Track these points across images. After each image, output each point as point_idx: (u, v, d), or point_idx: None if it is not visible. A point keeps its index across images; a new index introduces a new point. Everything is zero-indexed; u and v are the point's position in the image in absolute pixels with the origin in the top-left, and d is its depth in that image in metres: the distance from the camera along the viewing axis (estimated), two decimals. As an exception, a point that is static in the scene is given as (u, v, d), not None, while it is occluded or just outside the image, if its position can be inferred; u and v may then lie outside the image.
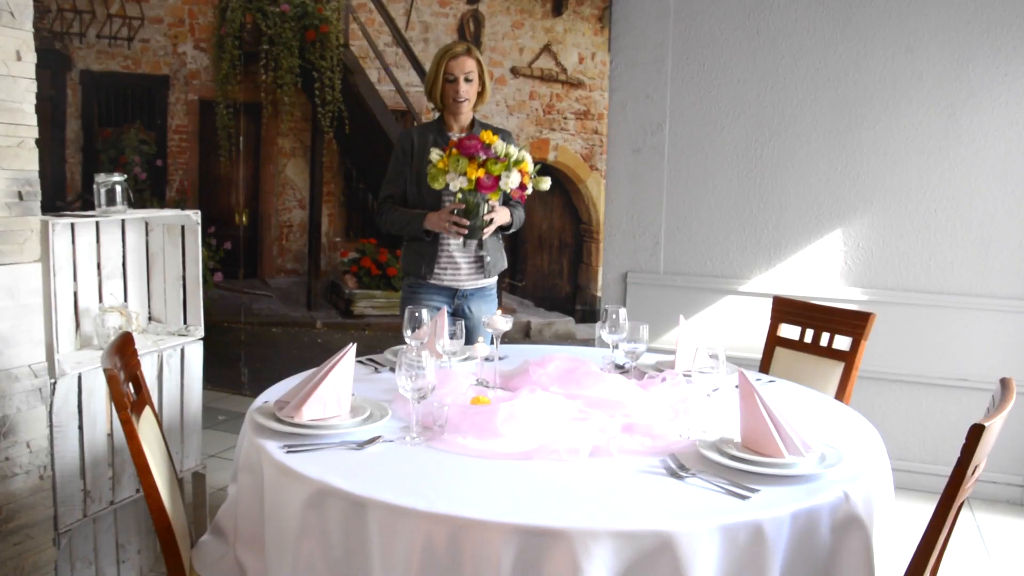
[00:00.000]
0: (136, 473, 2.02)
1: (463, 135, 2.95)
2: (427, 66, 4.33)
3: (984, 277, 3.66)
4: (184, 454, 2.97)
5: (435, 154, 2.71)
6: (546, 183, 2.81)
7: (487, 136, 2.70)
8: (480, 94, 3.03)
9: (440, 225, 2.86)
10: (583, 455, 1.76)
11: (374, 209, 3.12)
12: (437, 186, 2.70)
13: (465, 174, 2.64)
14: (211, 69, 4.72)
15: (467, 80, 2.95)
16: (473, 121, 3.05)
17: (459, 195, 2.71)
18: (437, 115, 3.08)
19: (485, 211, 2.78)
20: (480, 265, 3.01)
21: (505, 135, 3.03)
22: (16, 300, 2.35)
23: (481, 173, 2.63)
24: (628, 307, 4.01)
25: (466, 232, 2.79)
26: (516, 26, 4.18)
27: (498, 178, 2.66)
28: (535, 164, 2.82)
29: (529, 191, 2.78)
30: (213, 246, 4.81)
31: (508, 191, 2.71)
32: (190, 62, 4.75)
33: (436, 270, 2.98)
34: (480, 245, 2.95)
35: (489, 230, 2.87)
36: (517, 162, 2.69)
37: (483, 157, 2.64)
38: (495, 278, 3.11)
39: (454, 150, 2.67)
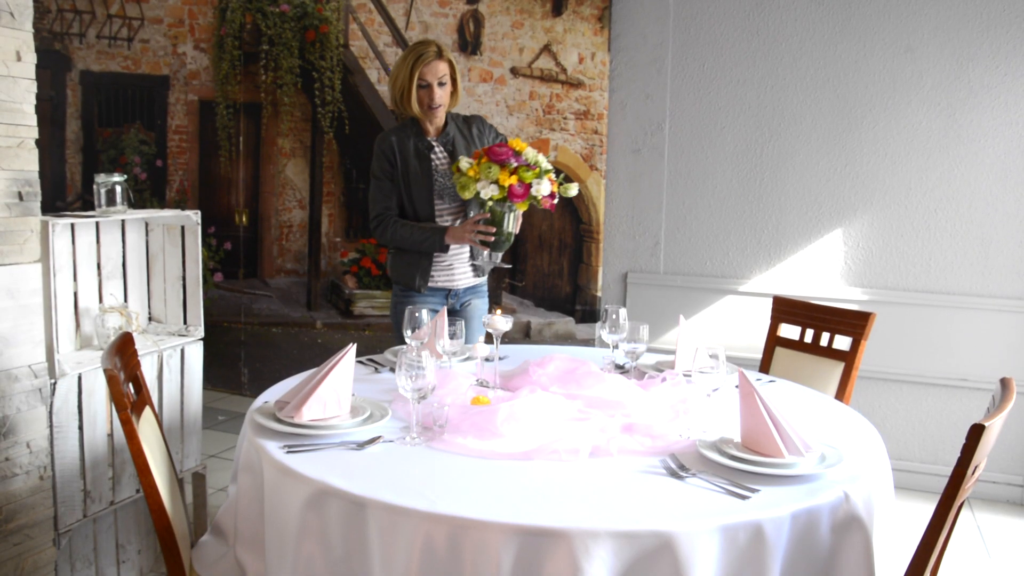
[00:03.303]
0: (136, 473, 2.02)
1: (439, 137, 2.93)
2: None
3: (984, 277, 3.66)
4: (184, 454, 2.97)
5: (464, 162, 2.66)
6: (574, 189, 2.76)
7: (516, 143, 2.64)
8: (453, 95, 2.91)
9: (464, 238, 2.78)
10: (583, 455, 1.76)
11: (372, 223, 3.01)
12: (467, 195, 2.63)
13: (497, 182, 2.57)
14: (211, 69, 4.72)
15: (441, 84, 2.84)
16: (447, 119, 2.96)
17: (488, 204, 2.65)
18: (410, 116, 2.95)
19: (511, 222, 2.70)
20: (475, 266, 2.99)
21: (480, 122, 3.01)
22: (16, 300, 2.35)
23: (514, 180, 2.57)
24: (628, 307, 4.01)
25: (492, 242, 2.72)
26: (516, 26, 4.18)
27: (530, 186, 2.59)
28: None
29: (556, 200, 2.72)
30: (213, 246, 4.81)
31: (539, 199, 2.64)
32: (190, 62, 4.75)
33: (432, 275, 2.93)
34: (501, 256, 2.85)
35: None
36: (546, 171, 2.65)
37: (515, 164, 2.59)
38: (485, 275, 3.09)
39: (484, 158, 2.62)
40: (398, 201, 2.92)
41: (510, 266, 3.02)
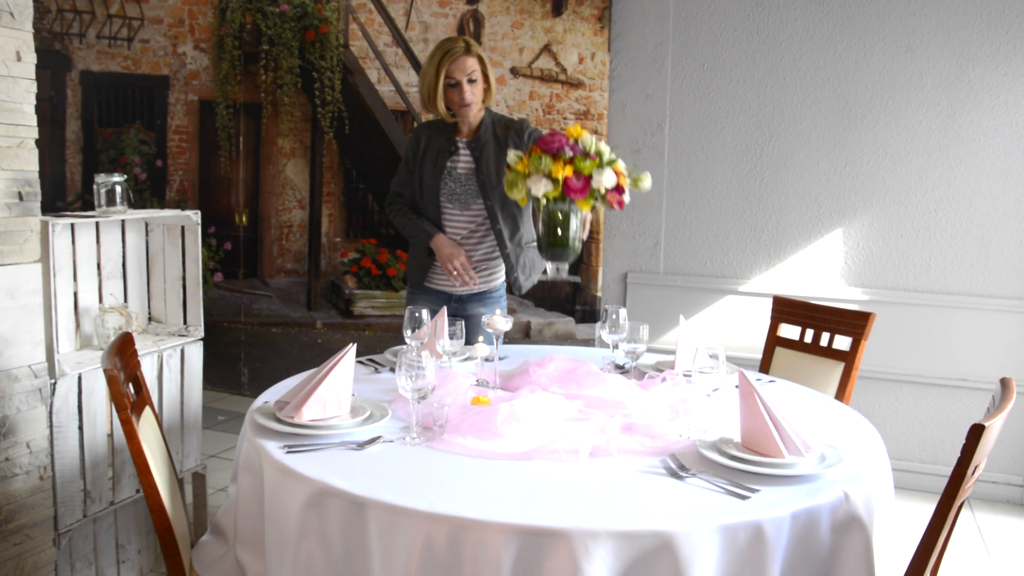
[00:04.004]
0: (136, 473, 2.02)
1: (471, 140, 2.80)
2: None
3: (984, 277, 3.66)
4: (184, 454, 2.97)
5: (512, 155, 2.32)
6: (647, 181, 2.38)
7: (575, 131, 2.28)
8: (486, 91, 2.78)
9: (445, 263, 2.76)
10: (583, 455, 1.76)
11: (385, 200, 3.01)
12: (517, 195, 2.27)
13: (550, 174, 2.19)
14: (211, 69, 4.72)
15: (471, 81, 2.71)
16: (485, 121, 2.82)
17: (543, 203, 2.25)
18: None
19: (576, 227, 2.29)
20: (489, 259, 2.89)
21: (520, 128, 2.83)
22: (16, 300, 2.35)
23: (569, 172, 2.19)
24: (628, 307, 4.01)
25: (553, 253, 2.34)
26: (516, 26, 4.18)
27: (589, 178, 2.19)
28: None
29: (627, 198, 2.31)
30: (213, 246, 4.81)
31: (603, 193, 2.23)
32: (190, 62, 4.75)
33: (429, 275, 2.92)
34: (562, 267, 2.43)
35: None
36: (610, 161, 2.26)
37: (570, 153, 2.21)
38: (497, 282, 2.97)
39: (535, 149, 2.26)
40: (411, 193, 2.92)
41: (578, 279, 2.69)
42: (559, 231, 2.27)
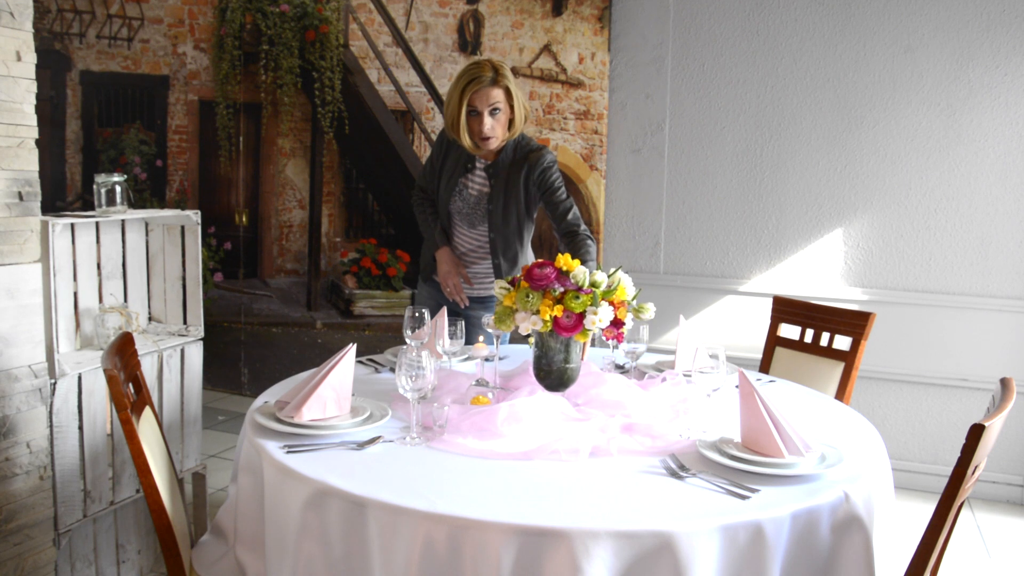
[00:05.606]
0: (136, 473, 2.02)
1: (490, 163, 2.74)
2: (427, 66, 4.34)
3: (984, 277, 3.66)
4: (184, 454, 2.97)
5: (499, 288, 2.10)
6: (650, 312, 2.23)
7: (564, 261, 2.04)
8: (511, 121, 2.63)
9: (444, 280, 2.78)
10: (583, 455, 1.76)
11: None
12: (504, 329, 2.09)
13: (538, 312, 2.00)
14: (211, 69, 4.72)
15: (493, 113, 2.56)
16: (511, 145, 2.70)
17: (532, 338, 2.10)
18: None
19: (575, 355, 2.09)
20: (487, 277, 2.89)
21: (533, 166, 2.71)
22: (16, 300, 2.35)
23: (559, 312, 1.99)
24: (628, 307, 4.00)
25: (546, 381, 2.12)
26: (516, 26, 4.18)
27: (582, 316, 2.00)
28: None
29: (629, 326, 2.14)
30: (213, 246, 4.81)
31: (598, 332, 2.06)
32: (190, 62, 4.75)
33: (436, 274, 2.93)
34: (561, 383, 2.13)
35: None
36: (607, 293, 2.06)
37: (560, 290, 2.01)
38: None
39: (523, 282, 2.03)
40: (432, 191, 2.90)
41: None
42: (554, 364, 2.09)
